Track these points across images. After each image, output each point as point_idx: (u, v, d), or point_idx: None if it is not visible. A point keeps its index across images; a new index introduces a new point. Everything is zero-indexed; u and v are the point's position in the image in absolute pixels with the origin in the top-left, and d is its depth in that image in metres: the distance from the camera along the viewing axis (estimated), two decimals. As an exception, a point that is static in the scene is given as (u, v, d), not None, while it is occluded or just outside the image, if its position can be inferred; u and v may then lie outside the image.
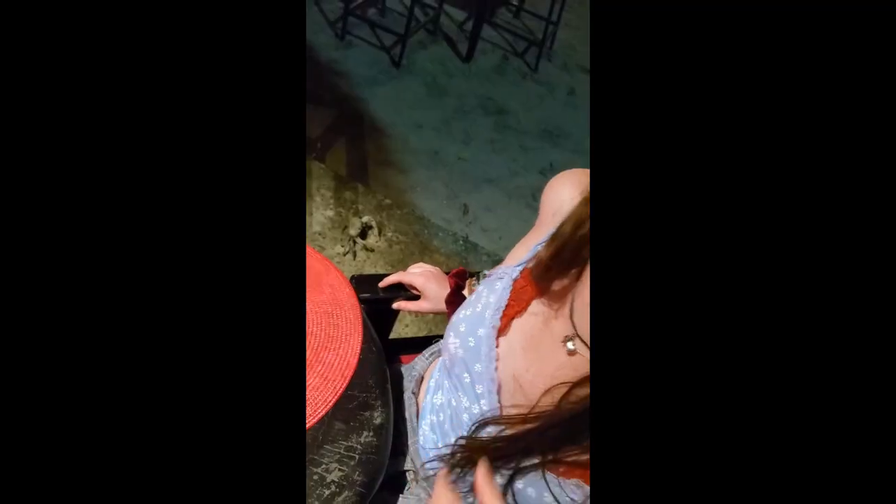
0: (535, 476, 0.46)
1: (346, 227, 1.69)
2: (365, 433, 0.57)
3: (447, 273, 0.79)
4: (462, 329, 0.56)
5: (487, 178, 2.05)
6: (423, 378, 0.72)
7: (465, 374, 0.55)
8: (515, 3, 3.05)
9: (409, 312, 0.85)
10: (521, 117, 2.36)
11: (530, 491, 0.46)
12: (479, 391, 0.53)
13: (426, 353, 0.78)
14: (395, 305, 0.81)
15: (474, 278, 0.75)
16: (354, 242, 1.66)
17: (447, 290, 0.74)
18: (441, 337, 1.02)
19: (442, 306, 0.75)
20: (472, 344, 0.54)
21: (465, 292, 0.75)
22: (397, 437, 0.65)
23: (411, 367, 0.76)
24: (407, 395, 0.69)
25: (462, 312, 0.58)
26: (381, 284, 0.81)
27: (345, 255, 1.62)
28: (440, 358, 0.65)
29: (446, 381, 0.60)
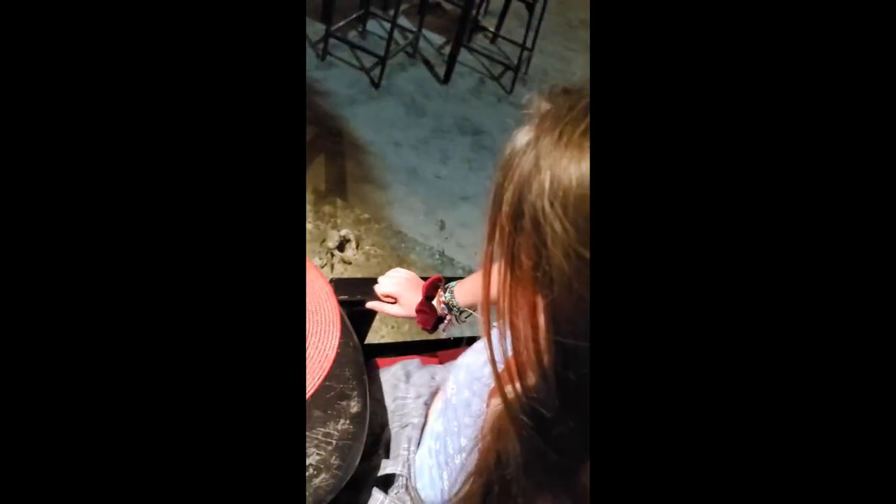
0: None
1: (324, 240, 1.72)
2: (342, 421, 0.61)
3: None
4: (461, 376, 0.55)
5: (464, 195, 2.11)
6: (438, 390, 0.70)
7: (455, 422, 0.53)
8: (492, 29, 3.16)
9: (389, 320, 0.88)
10: (496, 138, 2.44)
11: None
12: (462, 444, 0.51)
13: (448, 365, 0.77)
14: (368, 305, 0.84)
15: (441, 290, 0.78)
16: (332, 255, 1.69)
17: (420, 298, 0.77)
18: (419, 343, 1.06)
19: (410, 314, 0.79)
20: (465, 396, 0.53)
21: (435, 302, 0.78)
22: (398, 441, 0.66)
23: (432, 373, 0.77)
24: (419, 403, 0.70)
25: (467, 358, 0.55)
26: (369, 306, 0.84)
27: (322, 267, 1.65)
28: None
29: (444, 417, 0.58)
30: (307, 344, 0.65)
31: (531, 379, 0.33)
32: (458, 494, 0.42)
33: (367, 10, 2.71)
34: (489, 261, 0.33)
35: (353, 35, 2.69)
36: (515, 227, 0.30)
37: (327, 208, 1.82)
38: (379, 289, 0.83)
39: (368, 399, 0.65)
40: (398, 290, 0.81)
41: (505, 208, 0.31)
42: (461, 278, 0.79)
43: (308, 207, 1.79)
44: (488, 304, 0.33)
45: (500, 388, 0.35)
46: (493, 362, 0.35)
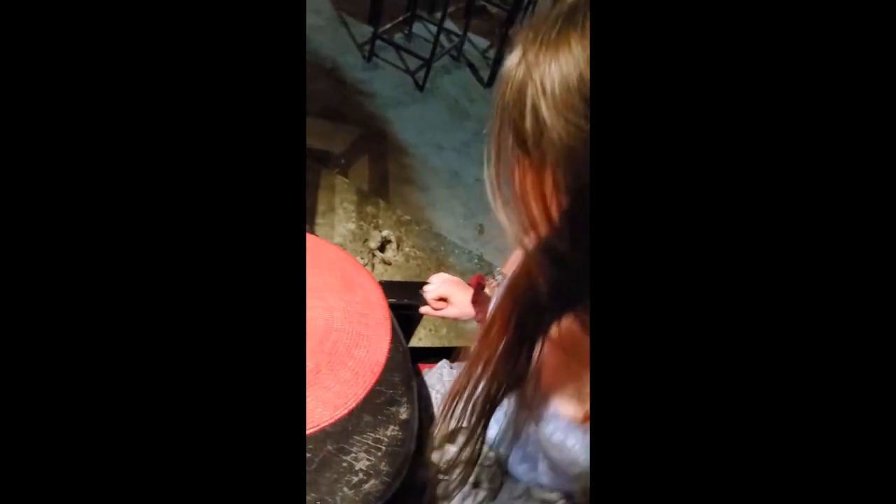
0: (561, 423, 0.50)
1: (366, 240, 1.73)
2: (391, 427, 0.60)
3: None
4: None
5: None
6: None
7: None
8: (537, 33, 3.13)
9: (428, 324, 0.89)
10: (539, 143, 2.41)
11: (557, 436, 0.50)
12: None
13: None
14: (422, 310, 0.84)
15: (492, 277, 0.80)
16: (373, 255, 1.71)
17: (470, 295, 0.78)
18: (458, 349, 1.06)
19: (467, 311, 0.79)
20: None
21: (488, 291, 0.79)
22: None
23: None
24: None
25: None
26: (423, 311, 0.85)
27: (364, 266, 1.66)
28: None
29: None
30: (357, 346, 0.66)
31: (543, 228, 0.40)
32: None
33: (414, 12, 2.73)
34: (497, 146, 0.39)
35: (399, 37, 2.71)
36: (519, 114, 0.37)
37: (370, 209, 1.83)
38: (429, 294, 0.83)
39: (416, 406, 0.64)
40: (448, 290, 0.81)
41: (510, 102, 0.38)
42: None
43: (351, 207, 1.81)
44: (499, 176, 0.41)
45: (519, 240, 0.42)
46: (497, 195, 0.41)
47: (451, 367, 0.81)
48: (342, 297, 0.71)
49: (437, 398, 0.76)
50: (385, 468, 0.57)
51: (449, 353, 1.01)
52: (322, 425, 0.57)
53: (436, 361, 0.97)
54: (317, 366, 0.61)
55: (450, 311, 0.82)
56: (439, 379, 0.79)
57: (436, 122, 2.32)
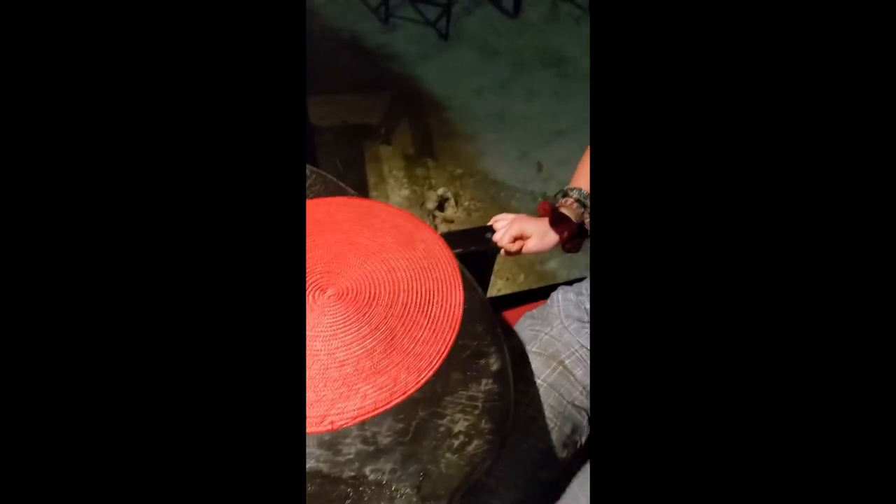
0: None
1: (423, 203, 1.67)
2: (484, 381, 0.55)
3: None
4: None
5: (557, 130, 1.96)
6: None
7: None
8: (556, -54, 2.88)
9: (504, 273, 0.82)
10: (581, 63, 2.23)
11: None
12: None
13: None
14: (503, 254, 0.79)
15: (561, 197, 0.73)
16: (434, 216, 1.65)
17: (545, 223, 0.72)
18: (538, 290, 0.99)
19: (549, 238, 0.73)
20: None
21: (565, 211, 0.72)
22: None
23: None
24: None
25: None
26: (504, 254, 0.79)
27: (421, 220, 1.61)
28: None
29: None
30: (430, 304, 0.60)
31: None
32: None
33: (421, -41, 2.57)
34: None
35: (411, -10, 2.58)
36: None
37: (420, 171, 1.77)
38: (502, 239, 0.77)
39: (507, 354, 0.58)
40: (519, 227, 0.75)
41: None
42: None
43: (401, 174, 1.76)
44: None
45: None
46: None
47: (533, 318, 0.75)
48: (403, 255, 0.65)
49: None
50: (486, 426, 0.52)
51: (531, 297, 0.95)
52: (409, 392, 0.52)
53: (518, 306, 0.91)
54: (391, 331, 0.57)
55: (531, 246, 0.75)
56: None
57: (467, 68, 2.20)
